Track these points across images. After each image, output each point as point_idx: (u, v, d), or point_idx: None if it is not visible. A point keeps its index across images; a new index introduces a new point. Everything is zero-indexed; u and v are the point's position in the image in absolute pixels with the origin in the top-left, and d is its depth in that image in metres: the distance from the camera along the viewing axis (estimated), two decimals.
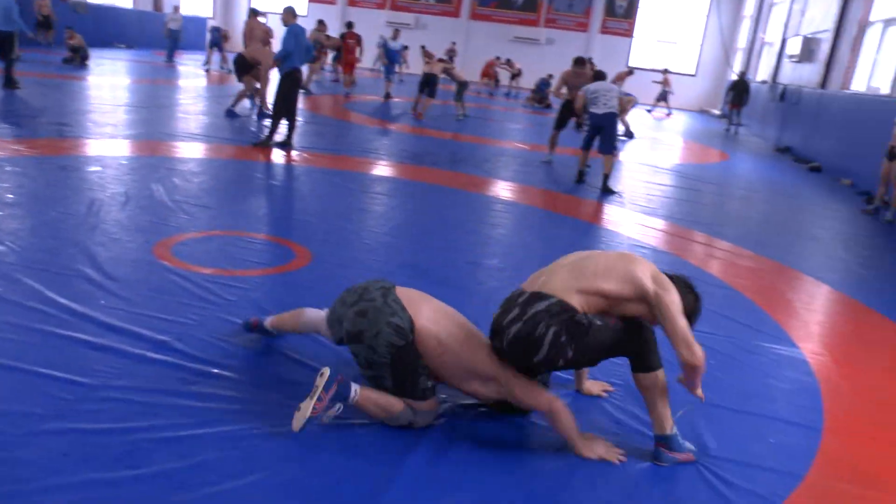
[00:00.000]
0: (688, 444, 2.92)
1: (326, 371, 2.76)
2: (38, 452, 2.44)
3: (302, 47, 8.77)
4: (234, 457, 2.55)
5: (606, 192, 8.71)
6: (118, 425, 2.65)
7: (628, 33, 29.46)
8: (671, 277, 2.91)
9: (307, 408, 2.70)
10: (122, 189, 6.07)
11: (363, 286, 2.95)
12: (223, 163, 7.87)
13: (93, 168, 6.80)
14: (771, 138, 18.50)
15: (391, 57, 18.51)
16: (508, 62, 26.19)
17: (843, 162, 12.84)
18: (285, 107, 8.89)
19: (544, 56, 29.10)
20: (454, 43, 26.81)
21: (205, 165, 7.60)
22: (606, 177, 8.86)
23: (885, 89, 12.79)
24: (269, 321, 3.42)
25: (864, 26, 14.55)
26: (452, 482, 2.58)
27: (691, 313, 2.90)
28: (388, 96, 16.87)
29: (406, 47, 18.75)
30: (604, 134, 8.98)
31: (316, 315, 3.27)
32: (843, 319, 5.27)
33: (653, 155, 13.34)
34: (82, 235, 4.77)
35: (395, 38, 18.87)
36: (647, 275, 2.81)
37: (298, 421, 2.69)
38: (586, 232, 6.69)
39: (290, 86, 8.85)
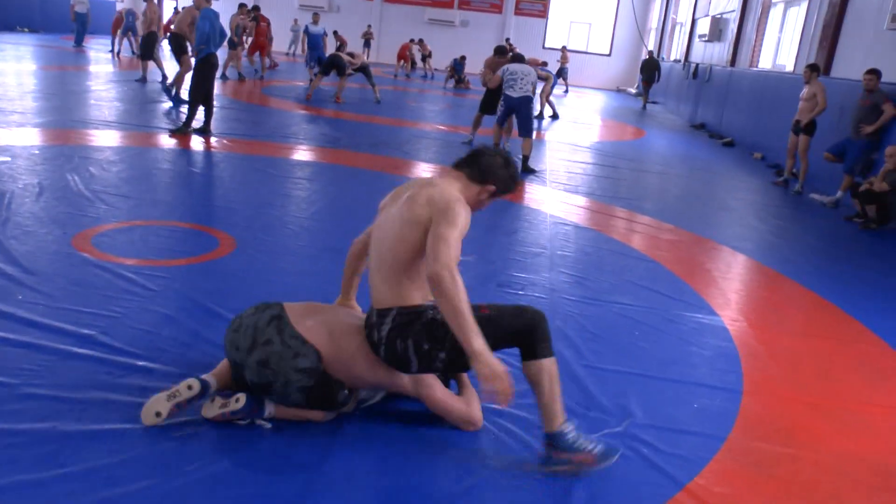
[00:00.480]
0: (584, 442, 2.58)
1: (196, 385, 2.66)
2: None
3: (216, 32, 8.56)
4: (166, 450, 2.51)
5: (527, 171, 8.85)
6: (43, 424, 2.57)
7: (543, 14, 29.77)
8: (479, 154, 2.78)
9: (161, 406, 2.60)
10: (35, 180, 5.84)
11: (252, 322, 2.68)
12: (141, 151, 7.65)
13: (1, 158, 6.51)
14: (686, 115, 19.04)
15: (313, 43, 18.09)
16: (420, 42, 26.06)
17: (753, 137, 13.32)
18: (202, 93, 8.68)
19: (459, 38, 29.16)
20: (370, 26, 26.56)
21: (122, 154, 7.37)
22: (526, 158, 9.00)
23: (789, 66, 13.31)
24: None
25: (767, 7, 15.08)
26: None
27: (504, 187, 2.77)
28: (309, 92, 14.80)
29: (326, 33, 18.44)
30: (520, 117, 9.13)
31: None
32: (758, 287, 5.50)
33: (572, 134, 13.57)
34: None
35: (315, 22, 18.53)
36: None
37: (149, 417, 2.60)
38: (508, 211, 6.77)
39: (206, 71, 8.64)
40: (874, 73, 8.48)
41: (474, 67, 25.29)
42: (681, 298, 4.77)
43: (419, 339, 2.57)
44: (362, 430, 2.78)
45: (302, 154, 8.56)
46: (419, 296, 2.65)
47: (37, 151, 6.98)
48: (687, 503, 2.57)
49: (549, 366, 2.56)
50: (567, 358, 3.60)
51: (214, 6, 8.90)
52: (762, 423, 3.27)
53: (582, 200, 7.57)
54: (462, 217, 2.50)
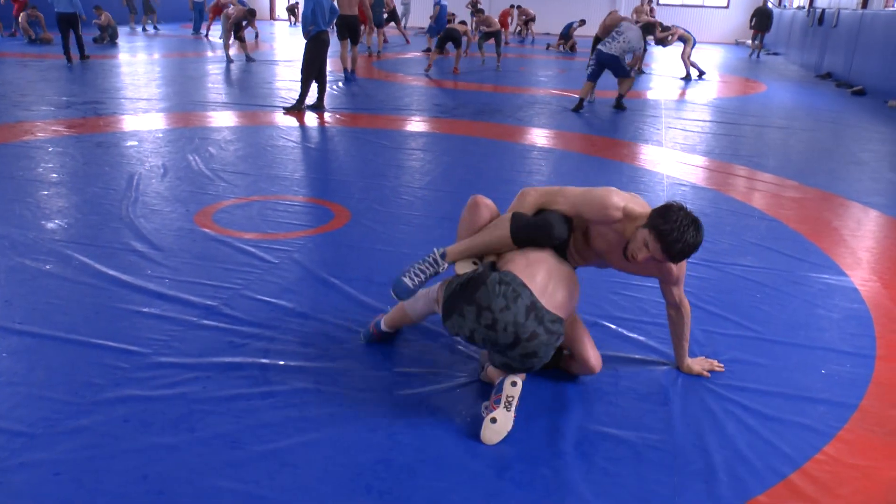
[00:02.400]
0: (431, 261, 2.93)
1: (519, 382, 2.62)
2: (100, 420, 2.52)
3: (325, 9, 8.69)
4: (289, 416, 2.60)
5: (619, 108, 10.08)
6: (173, 391, 2.72)
7: None
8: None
9: (506, 421, 2.53)
10: (160, 161, 6.15)
11: (510, 319, 2.49)
12: (256, 129, 7.91)
13: (129, 143, 6.89)
14: (811, 65, 17.96)
15: (441, 14, 17.99)
16: (520, 8, 25.57)
17: (888, 83, 12.43)
18: (315, 69, 8.86)
19: (571, 1, 28.46)
20: None
21: (239, 133, 7.65)
22: (621, 96, 10.02)
23: None
24: (383, 323, 3.14)
25: None
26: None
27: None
28: (429, 65, 14.36)
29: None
30: (612, 70, 9.89)
31: (423, 306, 2.99)
32: (892, 244, 5.15)
33: (688, 91, 13.06)
34: (125, 209, 4.85)
35: None
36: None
37: (494, 435, 2.51)
38: (623, 172, 6.60)
39: (317, 48, 8.80)
40: None
41: (591, 29, 24.80)
42: (806, 259, 4.52)
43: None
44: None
45: (415, 125, 8.63)
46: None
47: (160, 135, 7.34)
48: (814, 474, 2.45)
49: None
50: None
51: None
52: None
53: (700, 160, 7.28)
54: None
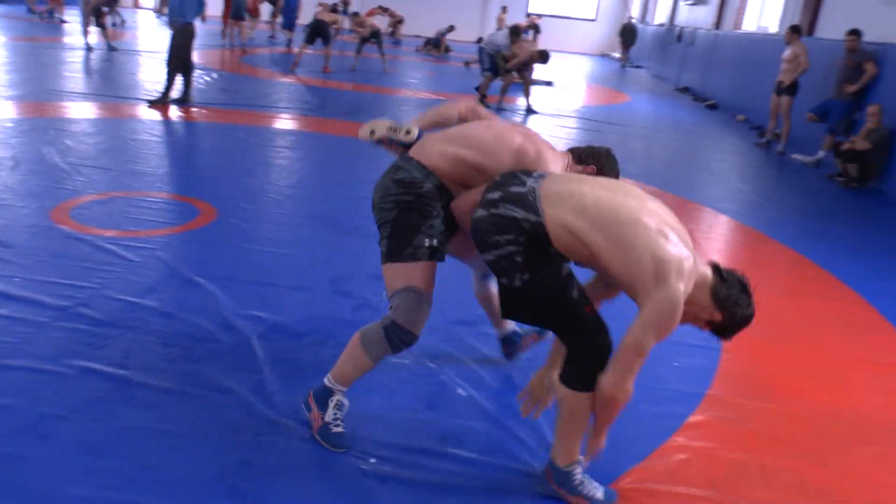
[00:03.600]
0: (587, 487, 2.33)
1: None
2: None
3: (193, 1, 8.43)
4: (150, 419, 2.51)
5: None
6: (22, 398, 2.56)
7: None
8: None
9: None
10: (10, 153, 5.76)
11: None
12: (118, 122, 7.55)
13: None
14: (671, 79, 18.97)
15: (289, 7, 17.74)
16: (386, 10, 24.24)
17: (737, 99, 13.31)
18: (180, 62, 8.56)
19: (440, 4, 28.76)
20: None
21: (99, 125, 7.27)
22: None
23: (773, 28, 13.26)
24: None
25: None
26: None
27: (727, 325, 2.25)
28: (295, 62, 13.72)
29: None
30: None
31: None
32: (740, 247, 5.53)
33: (557, 99, 13.50)
34: None
35: None
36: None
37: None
38: None
39: (183, 40, 8.50)
40: (855, 33, 8.47)
41: (461, 34, 25.08)
42: None
43: (524, 249, 2.16)
44: None
45: (284, 123, 8.49)
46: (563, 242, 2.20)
47: (10, 124, 6.87)
48: (666, 458, 2.61)
49: (584, 401, 2.22)
50: None
51: None
52: (741, 379, 3.31)
53: None
54: None
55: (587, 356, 2.19)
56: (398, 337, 2.41)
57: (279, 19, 19.03)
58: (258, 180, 5.80)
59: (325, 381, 2.51)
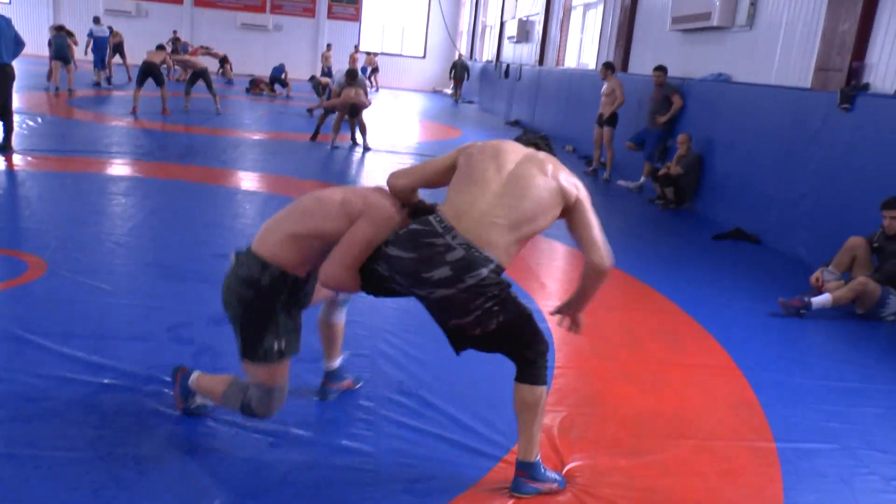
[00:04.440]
0: (552, 473, 2.70)
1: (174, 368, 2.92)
2: None
3: (9, 40, 7.99)
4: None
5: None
6: None
7: (355, 18, 29.89)
8: None
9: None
10: None
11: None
12: None
13: None
14: (501, 113, 19.82)
15: (99, 45, 17.60)
16: (208, 50, 21.78)
17: (564, 131, 14.10)
18: (7, 104, 8.08)
19: (273, 43, 28.75)
20: (175, 31, 25.33)
21: None
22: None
23: (592, 65, 14.20)
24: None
25: (568, 9, 16.01)
26: None
27: None
28: (134, 106, 13.19)
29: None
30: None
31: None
32: (573, 270, 5.88)
33: (391, 137, 13.72)
34: None
35: (98, 23, 18.11)
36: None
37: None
38: None
39: (1, 83, 8.02)
40: (661, 69, 9.27)
41: (294, 72, 25.02)
42: None
43: (499, 301, 2.40)
44: None
45: (115, 168, 8.17)
46: (509, 262, 2.46)
47: None
48: (505, 472, 2.76)
49: (543, 395, 2.59)
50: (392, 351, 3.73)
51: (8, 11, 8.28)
52: (573, 392, 3.55)
53: None
54: None
55: (540, 356, 2.58)
56: (251, 416, 2.67)
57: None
58: (90, 229, 5.57)
59: (191, 381, 2.82)
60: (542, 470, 2.65)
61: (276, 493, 2.51)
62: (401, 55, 30.19)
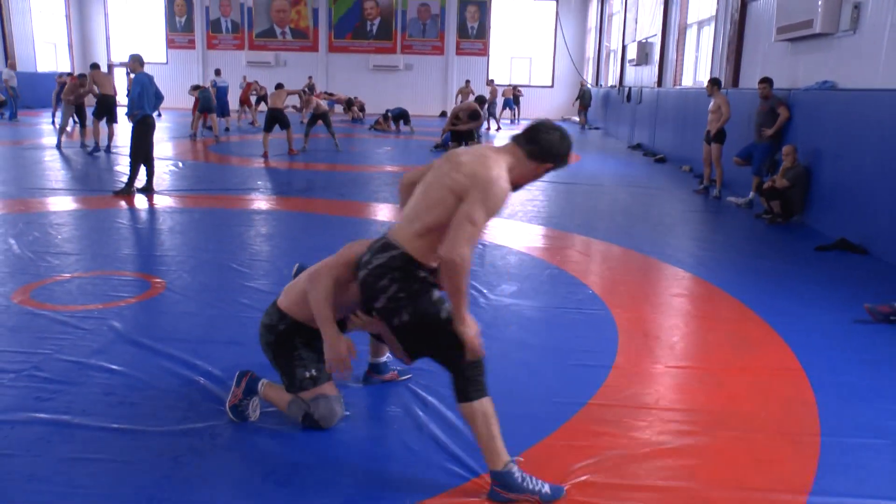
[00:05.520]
0: (531, 483, 2.65)
1: (242, 372, 3.27)
2: None
3: (150, 94, 9.06)
4: (85, 450, 2.91)
5: None
6: None
7: (483, 52, 30.68)
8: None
9: (228, 399, 3.23)
10: None
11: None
12: (84, 213, 8.04)
13: None
14: (625, 137, 19.78)
15: (220, 95, 19.07)
16: (331, 95, 23.45)
17: (682, 150, 13.99)
18: (142, 153, 9.12)
19: (404, 82, 30.02)
20: (311, 77, 26.98)
21: (65, 217, 7.74)
22: None
23: (706, 83, 14.03)
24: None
25: (683, 29, 15.92)
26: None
27: (562, 163, 2.81)
28: (265, 150, 13.95)
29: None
30: None
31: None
32: (668, 285, 5.99)
33: None
34: None
35: (218, 75, 20.18)
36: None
37: (230, 412, 3.21)
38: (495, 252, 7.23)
39: (143, 132, 9.09)
40: (766, 81, 9.15)
41: (425, 109, 26.08)
42: (577, 296, 5.25)
43: (404, 288, 2.67)
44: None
45: (240, 203, 8.98)
46: (432, 258, 2.70)
47: None
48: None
49: (481, 406, 2.64)
50: None
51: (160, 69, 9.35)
52: (618, 390, 3.72)
53: (534, 227, 7.98)
54: (497, 200, 2.61)
55: (470, 367, 2.66)
56: (311, 426, 3.14)
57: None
58: (209, 255, 6.24)
59: (260, 386, 3.22)
60: (519, 479, 2.62)
61: (321, 469, 2.89)
62: (529, 85, 30.63)
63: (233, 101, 21.28)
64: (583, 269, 6.10)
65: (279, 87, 14.90)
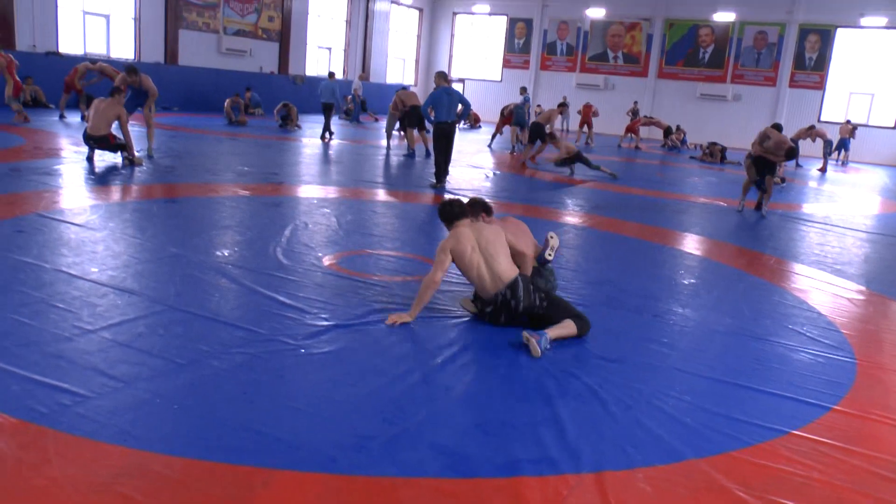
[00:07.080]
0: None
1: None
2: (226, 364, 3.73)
3: (442, 106, 10.47)
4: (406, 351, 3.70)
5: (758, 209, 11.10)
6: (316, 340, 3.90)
7: (819, 86, 28.47)
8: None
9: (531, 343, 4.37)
10: (307, 220, 7.56)
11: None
12: (397, 204, 9.31)
13: (289, 205, 8.43)
14: None
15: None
16: (652, 120, 24.73)
17: None
18: (443, 154, 10.79)
19: (729, 113, 28.97)
20: (636, 102, 27.20)
21: (378, 206, 9.06)
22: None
23: None
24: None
25: None
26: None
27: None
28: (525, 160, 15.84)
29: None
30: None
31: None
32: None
33: (839, 210, 12.55)
34: (274, 249, 6.21)
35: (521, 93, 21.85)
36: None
37: (534, 350, 4.31)
38: (761, 288, 7.18)
39: (441, 135, 10.70)
40: None
41: (744, 142, 24.94)
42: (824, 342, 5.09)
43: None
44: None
45: (547, 214, 9.65)
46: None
47: (315, 201, 8.86)
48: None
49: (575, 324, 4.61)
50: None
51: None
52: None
53: (852, 286, 6.84)
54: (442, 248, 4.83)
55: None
56: (585, 329, 4.67)
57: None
58: None
59: (548, 335, 4.40)
60: (548, 338, 4.40)
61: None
62: (868, 125, 27.84)
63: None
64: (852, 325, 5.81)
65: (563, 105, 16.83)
